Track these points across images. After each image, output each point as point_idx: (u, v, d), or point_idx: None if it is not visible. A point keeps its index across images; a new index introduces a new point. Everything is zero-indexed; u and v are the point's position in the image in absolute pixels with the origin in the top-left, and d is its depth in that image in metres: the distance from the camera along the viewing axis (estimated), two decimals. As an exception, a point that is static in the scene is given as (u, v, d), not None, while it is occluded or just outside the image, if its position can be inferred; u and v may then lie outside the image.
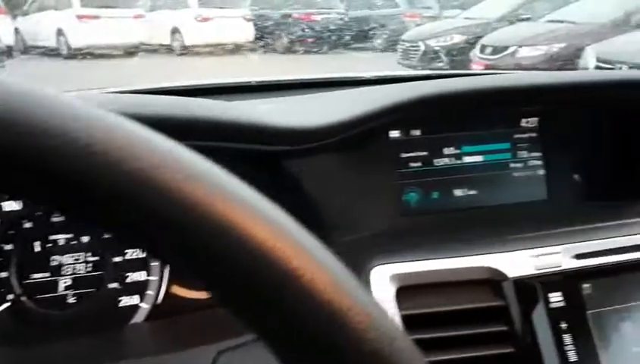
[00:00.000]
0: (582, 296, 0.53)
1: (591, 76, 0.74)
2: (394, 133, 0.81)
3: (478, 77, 0.79)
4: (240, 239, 0.18)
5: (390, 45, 7.32)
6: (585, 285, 0.54)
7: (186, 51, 7.81)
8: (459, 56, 5.81)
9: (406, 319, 0.49)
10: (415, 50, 5.95)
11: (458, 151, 0.84)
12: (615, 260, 0.55)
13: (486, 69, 4.93)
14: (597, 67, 3.92)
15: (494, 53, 5.06)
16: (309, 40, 7.89)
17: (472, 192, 0.85)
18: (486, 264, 0.52)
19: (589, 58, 4.17)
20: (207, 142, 0.49)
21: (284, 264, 0.19)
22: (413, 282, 0.51)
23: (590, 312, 0.53)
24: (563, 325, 0.51)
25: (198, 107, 0.50)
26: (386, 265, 0.51)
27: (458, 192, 0.84)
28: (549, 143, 0.86)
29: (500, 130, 0.86)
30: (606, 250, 0.55)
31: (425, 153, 0.83)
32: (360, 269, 0.52)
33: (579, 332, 0.51)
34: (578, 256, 0.54)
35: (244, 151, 0.55)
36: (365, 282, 0.50)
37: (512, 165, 0.87)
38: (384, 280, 0.50)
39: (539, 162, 0.87)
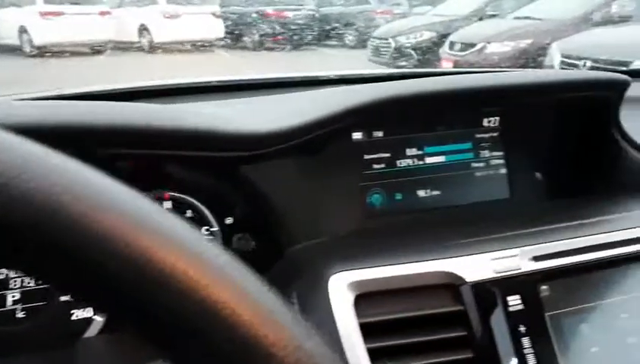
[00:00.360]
0: (540, 299, 0.53)
1: (550, 76, 0.74)
2: (357, 135, 0.80)
3: (440, 78, 0.78)
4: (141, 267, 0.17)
5: (362, 42, 7.33)
6: (543, 287, 0.54)
7: (156, 48, 7.67)
8: (429, 53, 5.86)
9: (364, 327, 0.48)
10: (386, 47, 5.98)
11: (421, 152, 0.84)
12: (572, 261, 0.55)
13: (455, 65, 4.99)
14: (562, 63, 4.01)
15: (462, 50, 5.12)
16: (280, 37, 7.85)
17: (435, 192, 0.85)
18: (445, 268, 0.51)
19: (554, 54, 4.26)
20: (144, 151, 0.47)
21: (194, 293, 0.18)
22: (372, 289, 0.50)
23: (548, 314, 0.53)
24: (522, 328, 0.51)
25: (120, 113, 0.47)
26: (344, 273, 0.50)
27: (421, 193, 0.84)
28: (510, 142, 0.87)
29: (462, 130, 0.86)
30: (563, 252, 0.55)
31: (387, 154, 0.82)
32: (318, 277, 0.51)
33: (538, 335, 0.51)
34: (536, 258, 0.54)
35: (195, 158, 0.53)
36: (324, 290, 0.49)
37: (474, 165, 0.87)
38: (342, 289, 0.49)
39: (501, 161, 0.88)
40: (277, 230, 0.63)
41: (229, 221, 0.66)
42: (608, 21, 4.67)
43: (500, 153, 0.88)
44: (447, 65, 5.15)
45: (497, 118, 0.87)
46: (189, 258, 0.19)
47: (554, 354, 0.51)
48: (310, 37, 8.07)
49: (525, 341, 0.51)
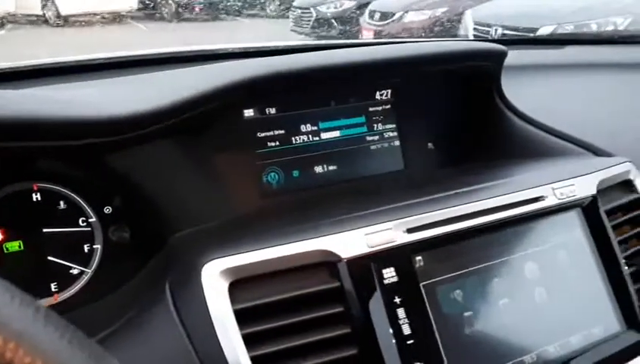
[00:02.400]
0: (415, 270, 0.55)
1: (433, 47, 0.75)
2: (249, 113, 0.78)
3: (333, 52, 0.77)
4: None
5: (284, 12, 7.20)
6: (418, 258, 0.55)
7: (63, 21, 7.13)
8: (350, 22, 5.85)
9: (239, 314, 0.48)
10: (307, 17, 5.91)
11: (315, 128, 0.84)
12: (445, 231, 0.57)
13: (375, 35, 5.02)
14: (475, 30, 4.14)
15: (381, 19, 5.15)
16: (199, 7, 7.54)
17: (332, 167, 0.85)
18: (321, 247, 0.52)
19: (468, 22, 4.39)
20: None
21: None
22: (247, 274, 0.49)
23: (423, 283, 0.55)
24: (397, 300, 0.53)
25: None
26: (217, 260, 0.49)
27: (319, 169, 0.84)
28: (403, 115, 0.89)
29: (355, 105, 0.86)
30: (437, 222, 0.57)
31: (282, 132, 0.81)
32: (192, 266, 0.49)
33: (412, 305, 0.53)
34: (410, 230, 0.55)
35: (56, 147, 0.49)
36: (197, 279, 0.48)
37: (369, 138, 0.88)
38: (215, 276, 0.48)
39: (394, 134, 0.89)
40: (157, 218, 0.61)
41: (108, 210, 0.62)
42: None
43: (393, 126, 0.89)
44: (367, 35, 5.17)
45: (389, 91, 0.88)
46: None
47: (430, 322, 0.54)
48: (231, 7, 7.81)
49: (400, 312, 0.53)
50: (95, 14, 7.24)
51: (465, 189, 0.63)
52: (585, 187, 0.66)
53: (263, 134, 0.80)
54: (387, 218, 0.55)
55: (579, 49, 1.28)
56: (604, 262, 0.64)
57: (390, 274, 0.53)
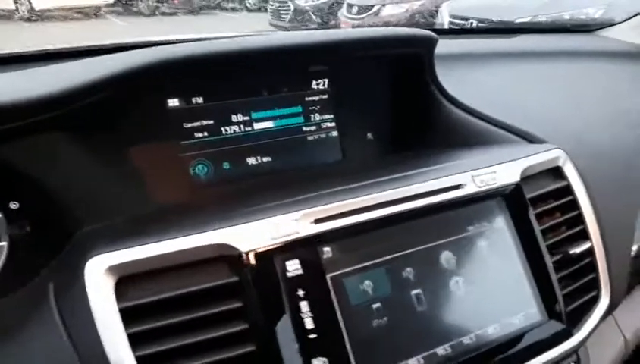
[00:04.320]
0: (321, 261, 0.53)
1: (365, 32, 0.73)
2: (173, 102, 0.76)
3: (255, 37, 0.75)
4: None
5: (264, 5, 7.13)
6: (325, 249, 0.54)
7: (37, 16, 6.99)
8: (328, 15, 5.82)
9: (125, 312, 0.45)
10: (286, 9, 5.87)
11: (247, 118, 0.81)
12: (354, 221, 0.55)
13: (352, 28, 4.98)
14: (451, 23, 4.14)
15: (359, 12, 5.13)
16: (177, 0, 7.44)
17: (266, 159, 0.83)
18: (217, 240, 0.49)
19: (444, 14, 4.38)
20: None
21: None
22: (136, 270, 0.47)
23: (330, 275, 0.53)
24: (300, 293, 0.51)
25: None
26: (103, 255, 0.46)
27: (251, 161, 0.82)
28: (340, 104, 0.87)
29: (290, 94, 0.84)
30: (345, 212, 0.55)
31: (211, 122, 0.79)
32: (76, 263, 0.47)
33: (317, 298, 0.52)
34: (317, 221, 0.54)
35: None
36: (81, 277, 0.46)
37: (305, 129, 0.86)
38: (99, 273, 0.46)
39: (332, 124, 0.87)
40: (62, 213, 0.58)
41: (14, 205, 0.59)
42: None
43: (331, 116, 0.87)
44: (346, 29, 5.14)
45: (326, 81, 0.86)
46: None
47: (335, 315, 0.52)
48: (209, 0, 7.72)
49: (304, 305, 0.51)
50: (69, 9, 7.11)
51: (380, 179, 0.61)
52: (507, 175, 0.64)
53: (190, 125, 0.77)
54: (293, 209, 0.53)
55: (531, 38, 1.27)
56: (526, 252, 0.63)
57: (294, 267, 0.52)
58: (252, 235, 0.51)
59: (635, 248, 0.78)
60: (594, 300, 0.67)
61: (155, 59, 0.56)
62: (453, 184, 0.61)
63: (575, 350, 0.62)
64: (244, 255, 0.50)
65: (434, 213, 0.60)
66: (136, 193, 0.70)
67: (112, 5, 7.24)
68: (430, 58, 0.78)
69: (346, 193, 0.57)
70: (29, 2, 6.83)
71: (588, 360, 0.71)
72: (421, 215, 0.59)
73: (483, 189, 0.62)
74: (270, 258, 0.51)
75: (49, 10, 6.94)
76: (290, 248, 0.52)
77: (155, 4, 7.51)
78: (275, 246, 0.51)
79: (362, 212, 0.56)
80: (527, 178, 0.67)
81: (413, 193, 0.59)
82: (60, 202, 0.58)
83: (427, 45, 0.74)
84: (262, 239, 0.51)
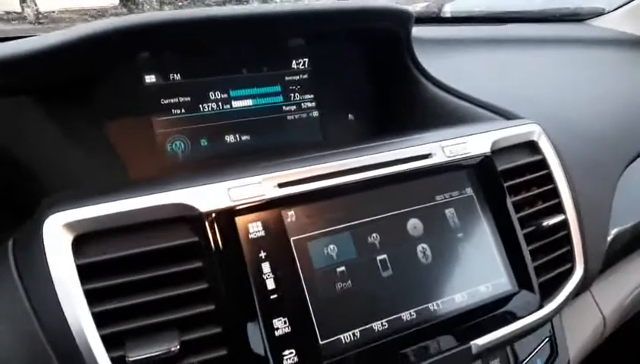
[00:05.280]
0: (285, 224, 0.53)
1: (338, 4, 0.73)
2: (150, 78, 0.76)
3: (229, 6, 0.75)
4: None
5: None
6: (290, 213, 0.53)
7: (43, 19, 7.03)
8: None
9: (82, 269, 0.45)
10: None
11: (226, 95, 0.82)
12: (319, 186, 0.55)
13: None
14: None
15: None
16: (182, 2, 7.46)
17: (244, 137, 0.83)
18: (177, 200, 0.49)
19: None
20: None
21: None
22: (94, 228, 0.47)
23: (294, 238, 0.53)
24: (262, 254, 0.51)
25: None
26: (61, 213, 0.46)
27: (230, 139, 0.82)
28: (321, 85, 0.87)
29: (270, 73, 0.84)
30: (310, 177, 0.55)
31: (188, 99, 0.79)
32: (36, 221, 0.47)
33: (280, 260, 0.51)
34: (281, 185, 0.53)
35: None
36: (39, 234, 0.46)
37: (285, 109, 0.86)
38: (57, 230, 0.46)
39: (312, 104, 0.87)
40: (28, 181, 0.58)
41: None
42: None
43: (311, 96, 0.87)
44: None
45: (306, 60, 0.86)
46: None
47: (298, 276, 0.52)
48: (216, 1, 7.75)
49: (265, 266, 0.51)
50: (74, 11, 7.17)
51: (348, 148, 0.61)
52: (477, 146, 0.64)
53: (167, 101, 0.78)
54: (257, 173, 0.53)
55: (521, 26, 1.27)
56: (497, 223, 0.62)
57: (256, 229, 0.51)
58: (213, 196, 0.51)
59: (614, 231, 0.78)
60: (569, 273, 0.67)
61: (122, 24, 0.57)
62: (421, 153, 0.61)
63: (545, 321, 0.62)
64: (204, 215, 0.50)
65: (402, 181, 0.60)
66: (110, 168, 0.70)
67: (117, 8, 7.30)
68: (406, 34, 0.78)
69: (311, 160, 0.57)
70: (36, 4, 6.91)
71: (564, 336, 0.71)
72: (389, 183, 0.59)
73: (452, 159, 0.62)
74: (231, 220, 0.51)
75: (55, 13, 7.02)
76: (252, 210, 0.52)
77: (158, 6, 7.56)
78: (237, 208, 0.51)
79: (328, 178, 0.56)
80: (501, 151, 0.67)
81: (380, 161, 0.59)
82: (27, 169, 0.58)
83: (402, 20, 0.74)
84: (223, 200, 0.51)
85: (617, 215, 0.77)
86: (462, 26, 1.24)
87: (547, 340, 0.68)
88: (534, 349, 0.66)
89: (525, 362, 0.65)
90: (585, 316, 0.77)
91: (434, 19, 1.27)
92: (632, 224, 0.79)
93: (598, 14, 1.35)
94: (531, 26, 1.28)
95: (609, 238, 0.74)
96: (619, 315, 0.81)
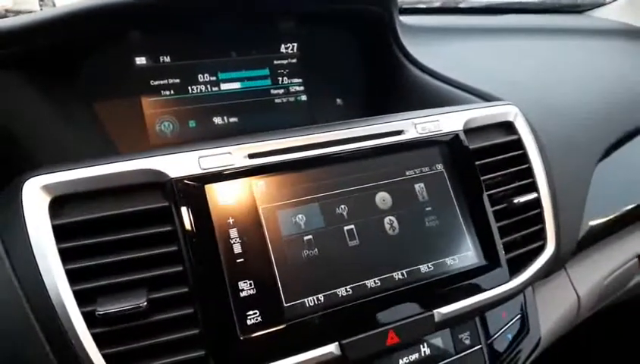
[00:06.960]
0: (254, 193, 0.55)
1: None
2: (140, 60, 0.79)
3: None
4: None
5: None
6: (260, 182, 0.56)
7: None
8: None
9: (58, 229, 0.48)
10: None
11: (214, 78, 0.84)
12: (290, 158, 0.57)
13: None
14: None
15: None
16: None
17: (232, 119, 0.86)
18: (149, 166, 0.52)
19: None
20: None
21: None
22: (70, 190, 0.50)
23: (262, 207, 0.55)
24: (230, 221, 0.53)
25: None
26: (40, 176, 0.49)
27: (218, 120, 0.85)
28: (310, 69, 0.89)
29: (259, 56, 0.86)
30: (282, 149, 0.57)
31: (177, 80, 0.82)
32: (14, 186, 0.50)
33: (248, 226, 0.54)
34: (252, 156, 0.56)
35: None
36: (18, 196, 0.49)
37: (273, 92, 0.88)
38: (35, 192, 0.49)
39: (300, 88, 0.90)
40: (14, 153, 0.61)
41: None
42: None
43: (300, 80, 0.89)
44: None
45: (295, 45, 0.88)
46: None
47: (265, 242, 0.54)
48: None
49: (233, 232, 0.53)
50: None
51: (322, 125, 0.63)
52: (450, 124, 0.66)
53: (157, 82, 0.81)
54: (228, 144, 0.56)
55: (519, 17, 1.27)
56: (467, 198, 0.64)
57: (225, 196, 0.54)
58: (183, 164, 0.53)
59: (591, 214, 0.78)
60: (540, 250, 0.68)
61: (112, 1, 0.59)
62: (393, 130, 0.63)
63: (511, 295, 0.63)
64: (174, 181, 0.52)
65: (373, 156, 0.61)
66: (100, 147, 0.73)
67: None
68: (390, 17, 0.79)
69: (283, 133, 0.59)
70: (54, 4, 7.04)
71: (537, 315, 0.72)
72: (360, 157, 0.61)
73: (424, 135, 0.64)
74: (200, 187, 0.53)
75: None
76: (222, 178, 0.54)
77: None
78: (206, 175, 0.53)
79: (298, 151, 0.58)
80: (477, 131, 0.68)
81: (352, 136, 0.61)
82: (19, 146, 0.61)
83: (384, 2, 0.76)
84: (193, 168, 0.53)
85: (596, 199, 0.77)
86: (463, 16, 1.25)
87: (518, 316, 0.69)
88: (506, 324, 0.68)
89: (496, 336, 0.66)
90: (560, 294, 0.77)
91: (434, 9, 1.28)
92: (610, 207, 0.79)
93: (598, 4, 1.34)
94: (531, 16, 1.29)
95: (586, 220, 0.75)
96: (595, 296, 0.81)
